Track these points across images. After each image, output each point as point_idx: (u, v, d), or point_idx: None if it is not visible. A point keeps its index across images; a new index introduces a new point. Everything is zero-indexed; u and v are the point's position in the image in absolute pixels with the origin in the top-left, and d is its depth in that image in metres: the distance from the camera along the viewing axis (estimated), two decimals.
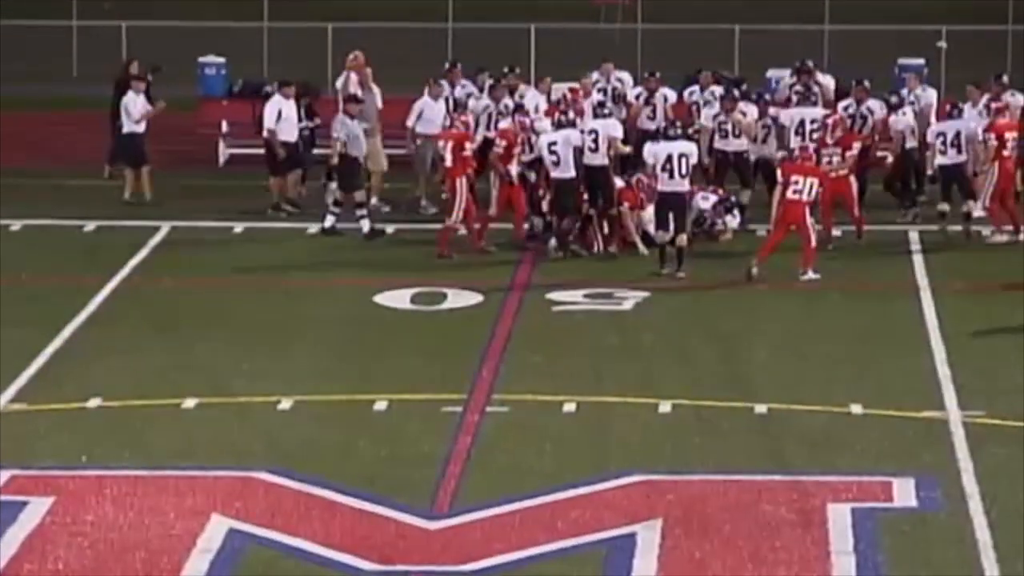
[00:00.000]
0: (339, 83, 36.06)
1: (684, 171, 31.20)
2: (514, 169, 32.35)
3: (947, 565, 18.71)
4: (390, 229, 33.35)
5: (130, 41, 48.78)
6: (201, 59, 43.61)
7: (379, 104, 35.20)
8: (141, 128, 35.41)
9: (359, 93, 34.89)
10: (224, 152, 38.02)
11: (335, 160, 33.34)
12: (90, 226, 33.47)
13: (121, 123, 36.28)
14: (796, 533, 19.60)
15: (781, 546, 19.26)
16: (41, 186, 36.38)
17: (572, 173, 31.23)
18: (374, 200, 34.37)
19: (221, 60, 43.61)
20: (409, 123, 35.08)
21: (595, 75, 36.45)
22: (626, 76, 37.00)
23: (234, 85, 42.29)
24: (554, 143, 31.54)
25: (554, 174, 31.37)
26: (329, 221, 33.01)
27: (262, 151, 36.52)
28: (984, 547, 19.01)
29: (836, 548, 19.13)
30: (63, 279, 30.20)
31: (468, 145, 32.53)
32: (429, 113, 35.03)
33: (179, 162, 36.64)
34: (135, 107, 35.33)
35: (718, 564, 18.76)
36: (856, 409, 23.69)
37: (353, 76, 35.60)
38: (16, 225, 33.37)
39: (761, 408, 23.89)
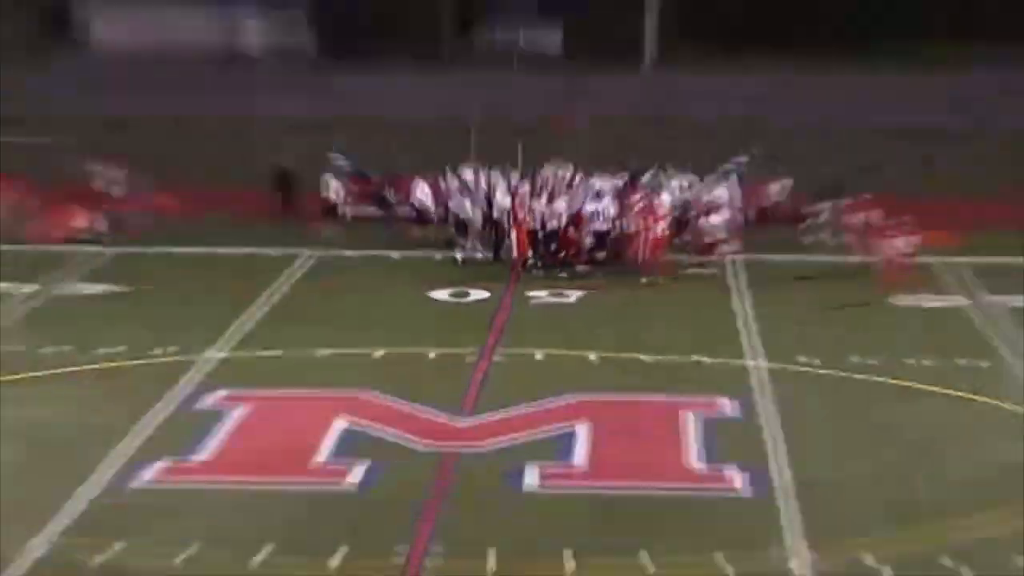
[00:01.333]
0: None
1: None
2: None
3: (751, 451, 21.11)
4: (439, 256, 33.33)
5: None
6: None
7: None
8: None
9: None
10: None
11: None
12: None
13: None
14: (669, 427, 22.22)
15: (659, 435, 21.85)
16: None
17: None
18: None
19: None
20: None
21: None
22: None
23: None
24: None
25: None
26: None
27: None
28: (774, 441, 21.64)
29: (688, 440, 21.79)
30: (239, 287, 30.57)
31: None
32: None
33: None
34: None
35: (621, 443, 21.45)
36: (702, 359, 25.78)
37: None
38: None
39: (647, 358, 25.86)
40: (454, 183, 34.14)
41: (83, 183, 35.95)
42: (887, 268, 30.59)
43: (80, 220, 34.03)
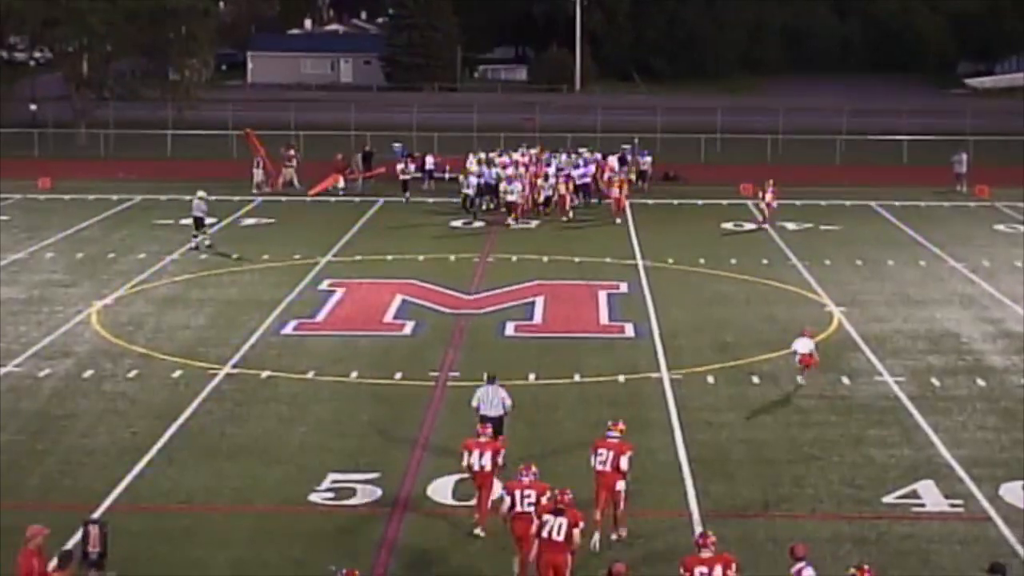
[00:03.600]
0: None
1: None
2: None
3: (637, 313, 20.61)
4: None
5: None
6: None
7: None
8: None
9: None
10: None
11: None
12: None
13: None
14: (589, 299, 21.74)
15: (584, 304, 21.37)
16: None
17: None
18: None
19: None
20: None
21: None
22: None
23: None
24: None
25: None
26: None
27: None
28: (650, 307, 21.10)
29: (601, 306, 21.26)
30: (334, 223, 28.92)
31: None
32: None
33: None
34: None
35: (562, 308, 20.94)
36: (609, 259, 25.08)
37: None
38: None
39: (577, 259, 24.88)
40: (478, 160, 31.92)
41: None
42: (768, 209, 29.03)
43: (337, 182, 33.42)
